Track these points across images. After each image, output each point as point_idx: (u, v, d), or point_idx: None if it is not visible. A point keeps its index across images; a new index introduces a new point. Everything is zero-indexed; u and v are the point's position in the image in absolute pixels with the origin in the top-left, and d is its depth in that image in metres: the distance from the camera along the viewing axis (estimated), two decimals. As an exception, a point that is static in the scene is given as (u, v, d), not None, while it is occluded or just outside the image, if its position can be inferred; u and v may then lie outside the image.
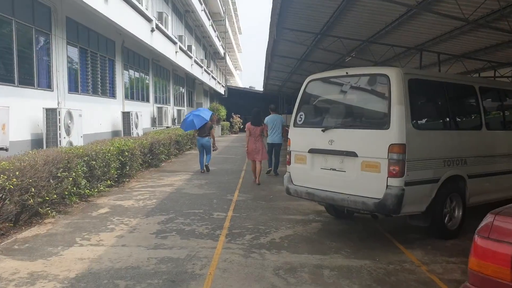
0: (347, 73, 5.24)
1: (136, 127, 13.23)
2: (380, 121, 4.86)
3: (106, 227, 5.68)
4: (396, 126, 4.62)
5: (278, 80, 25.49)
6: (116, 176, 8.50)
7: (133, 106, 14.85)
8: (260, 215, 6.45)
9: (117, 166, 8.53)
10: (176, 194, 8.09)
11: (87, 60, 11.33)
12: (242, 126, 37.02)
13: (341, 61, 12.90)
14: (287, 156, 5.85)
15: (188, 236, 5.26)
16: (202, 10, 26.06)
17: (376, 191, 4.69)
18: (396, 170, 4.58)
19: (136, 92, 15.98)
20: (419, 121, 4.99)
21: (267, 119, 10.40)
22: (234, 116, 36.79)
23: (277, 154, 10.58)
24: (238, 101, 44.40)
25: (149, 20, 13.76)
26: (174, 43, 17.84)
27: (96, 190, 7.45)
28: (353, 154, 4.90)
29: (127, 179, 9.41)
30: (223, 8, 40.74)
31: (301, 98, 5.76)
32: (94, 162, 7.28)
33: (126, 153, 8.88)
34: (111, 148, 8.18)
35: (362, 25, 9.22)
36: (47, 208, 5.80)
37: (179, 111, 21.84)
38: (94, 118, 11.42)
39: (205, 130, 10.72)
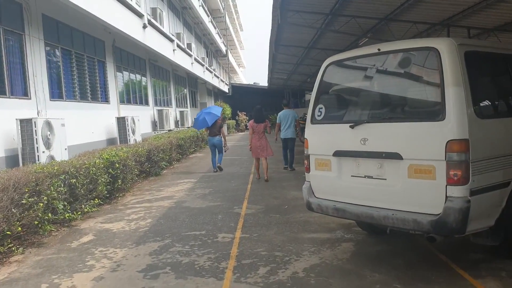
0: (379, 49, 3.99)
1: (133, 133, 12.11)
2: (431, 110, 3.63)
3: (84, 264, 4.53)
4: (454, 116, 3.39)
5: (283, 73, 24.22)
6: (106, 192, 7.37)
7: (130, 111, 13.73)
8: (275, 234, 5.26)
9: (107, 181, 7.40)
10: (175, 210, 6.94)
11: (72, 62, 10.21)
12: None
13: (354, 44, 11.62)
14: (305, 162, 4.65)
15: (185, 273, 4.09)
16: (200, 6, 24.88)
17: (432, 204, 3.48)
18: (458, 175, 3.36)
19: (133, 95, 14.86)
20: (482, 108, 3.74)
21: (279, 114, 10.40)
22: (240, 114, 35.66)
23: (292, 149, 10.55)
24: (243, 98, 43.27)
25: (140, 15, 12.61)
26: (171, 40, 16.70)
27: (79, 212, 6.32)
28: (396, 156, 3.67)
29: (121, 194, 8.28)
30: (223, 4, 39.55)
31: (319, 87, 4.53)
32: (74, 180, 6.15)
33: (117, 165, 7.74)
34: (97, 161, 7.05)
35: (380, 0, 7.94)
36: (10, 245, 4.67)
37: (181, 113, 20.72)
38: (84, 127, 10.32)
39: (215, 129, 10.68)
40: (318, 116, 4.50)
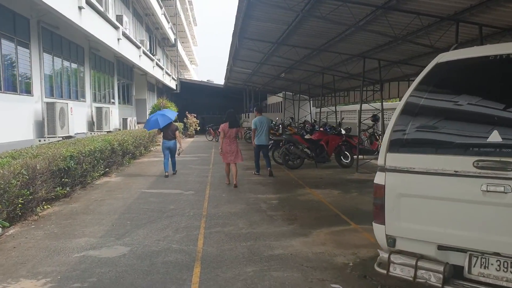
0: None
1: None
2: None
3: None
4: None
5: (249, 62, 18.47)
6: None
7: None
8: None
9: None
10: None
11: None
12: (199, 128, 29.83)
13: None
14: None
15: None
16: (137, -31, 18.63)
17: None
18: None
19: (-7, 75, 8.46)
20: None
21: (255, 120, 10.11)
22: (189, 116, 29.49)
23: (266, 155, 10.34)
24: (194, 98, 37.31)
25: None
26: (76, -7, 10.42)
27: None
28: None
29: None
30: (172, -16, 33.25)
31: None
32: None
33: None
34: None
35: None
36: None
37: (99, 110, 14.32)
38: None
39: (170, 132, 10.27)
40: None
